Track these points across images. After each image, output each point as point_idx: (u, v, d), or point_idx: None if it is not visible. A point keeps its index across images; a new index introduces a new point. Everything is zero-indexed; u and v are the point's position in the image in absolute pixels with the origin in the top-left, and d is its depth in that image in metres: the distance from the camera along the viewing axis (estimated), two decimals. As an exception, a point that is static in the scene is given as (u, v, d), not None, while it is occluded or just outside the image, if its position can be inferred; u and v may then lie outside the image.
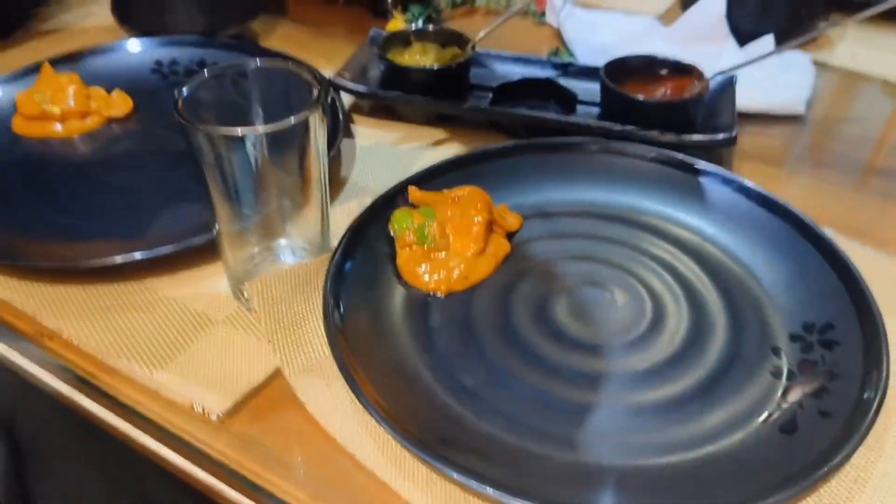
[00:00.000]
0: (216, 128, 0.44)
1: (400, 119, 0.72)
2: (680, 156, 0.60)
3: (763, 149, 0.71)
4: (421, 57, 0.73)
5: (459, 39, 0.74)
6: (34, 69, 0.72)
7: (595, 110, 0.70)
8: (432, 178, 0.59)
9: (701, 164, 0.60)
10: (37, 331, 0.51)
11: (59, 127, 0.68)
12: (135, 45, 0.77)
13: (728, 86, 0.69)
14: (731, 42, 0.79)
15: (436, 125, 0.71)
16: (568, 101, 0.72)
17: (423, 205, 0.57)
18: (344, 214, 0.58)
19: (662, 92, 0.68)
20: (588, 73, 0.73)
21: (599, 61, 0.77)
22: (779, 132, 0.73)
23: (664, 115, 0.65)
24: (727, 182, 0.59)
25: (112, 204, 0.60)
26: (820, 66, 0.81)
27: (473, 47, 0.72)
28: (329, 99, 0.70)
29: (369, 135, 0.71)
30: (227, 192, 0.47)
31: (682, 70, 0.69)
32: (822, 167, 0.69)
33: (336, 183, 0.65)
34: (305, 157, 0.48)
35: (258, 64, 0.50)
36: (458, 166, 0.61)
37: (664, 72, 0.70)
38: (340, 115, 0.68)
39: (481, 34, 0.73)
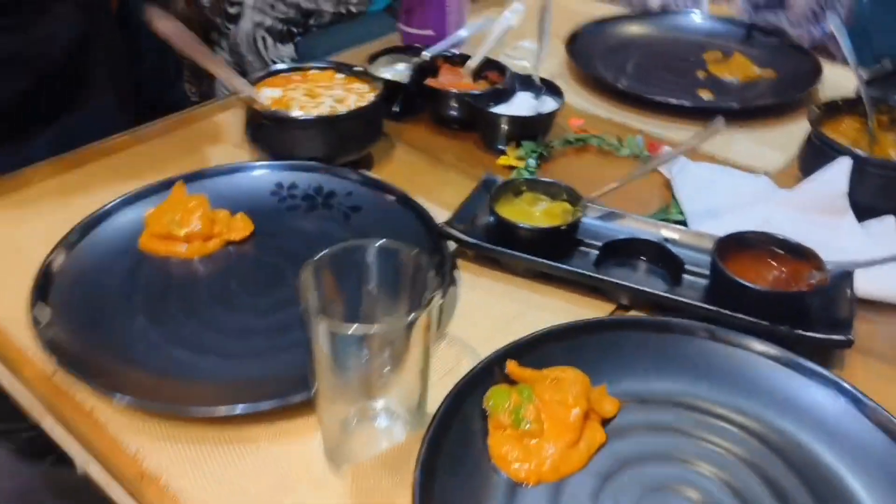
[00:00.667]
0: (330, 321, 0.45)
1: (505, 269, 0.72)
2: (793, 356, 0.58)
3: (879, 342, 0.67)
4: (530, 208, 0.74)
5: (570, 194, 0.74)
6: (167, 185, 0.76)
7: (702, 282, 0.69)
8: (531, 349, 0.59)
9: (816, 368, 0.58)
10: (137, 472, 0.53)
11: (183, 248, 0.72)
12: (259, 168, 0.81)
13: (846, 278, 0.66)
14: (850, 217, 0.77)
15: (541, 280, 0.71)
16: (675, 267, 0.71)
17: (521, 381, 0.57)
18: (440, 372, 0.59)
19: (776, 275, 0.66)
20: (698, 239, 0.73)
21: (711, 222, 0.77)
22: (898, 324, 0.69)
23: (777, 305, 0.63)
24: (846, 394, 0.56)
25: (223, 340, 0.63)
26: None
27: (584, 207, 0.72)
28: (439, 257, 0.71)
29: (472, 283, 0.71)
30: (332, 354, 0.48)
31: (799, 253, 0.67)
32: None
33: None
34: (412, 331, 0.49)
35: (377, 246, 0.52)
36: (557, 339, 0.60)
37: (780, 251, 0.68)
38: (447, 264, 0.69)
39: (597, 193, 0.73)
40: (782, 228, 0.76)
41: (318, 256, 0.50)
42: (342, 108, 0.84)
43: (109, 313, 0.65)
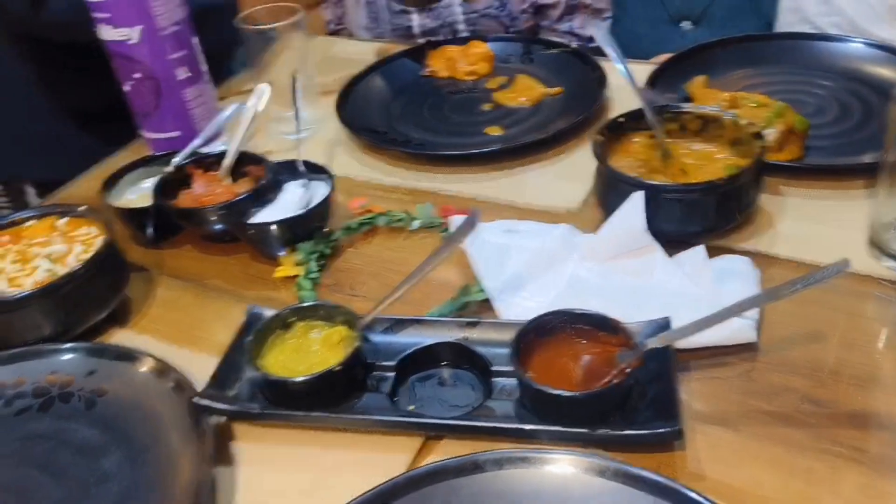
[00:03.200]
0: None
1: (290, 428, 0.60)
2: (621, 466, 0.50)
3: (715, 399, 0.60)
4: (304, 343, 0.63)
5: (346, 316, 0.63)
6: None
7: (514, 383, 0.60)
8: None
9: (649, 477, 0.49)
10: None
11: None
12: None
13: (664, 354, 0.58)
14: (660, 253, 0.70)
15: (334, 430, 0.60)
16: (482, 368, 0.61)
17: None
18: None
19: (586, 362, 0.58)
20: (499, 330, 0.63)
21: (514, 299, 0.69)
22: (731, 371, 0.62)
23: (590, 406, 0.54)
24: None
25: None
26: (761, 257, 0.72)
27: (363, 335, 0.61)
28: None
29: (254, 456, 0.59)
30: None
31: (607, 328, 0.59)
32: (786, 424, 0.58)
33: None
34: None
35: None
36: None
37: (586, 328, 0.59)
38: (211, 440, 0.57)
39: (370, 315, 0.63)
40: (593, 284, 0.69)
41: None
42: (61, 268, 0.69)
43: None
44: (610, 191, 0.75)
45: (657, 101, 0.84)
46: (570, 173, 0.88)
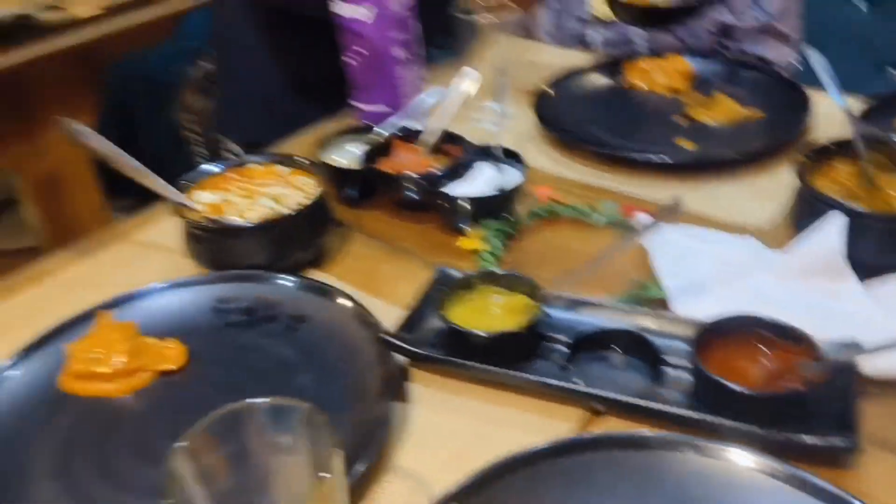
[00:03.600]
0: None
1: (464, 380, 0.65)
2: (792, 470, 0.49)
3: (894, 430, 0.58)
4: (487, 305, 0.67)
5: (529, 286, 0.67)
6: (89, 316, 0.70)
7: (686, 377, 0.60)
8: (486, 486, 0.51)
9: (819, 484, 0.49)
10: None
11: (106, 387, 0.65)
12: (195, 283, 0.75)
13: (848, 369, 0.57)
14: (852, 280, 0.68)
15: (505, 389, 0.63)
16: (654, 358, 0.63)
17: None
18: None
19: (766, 366, 0.58)
20: (678, 325, 0.64)
21: (694, 301, 0.69)
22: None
23: (766, 407, 0.54)
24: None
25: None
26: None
27: (543, 304, 0.65)
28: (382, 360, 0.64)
29: (427, 399, 0.64)
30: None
31: (792, 337, 0.58)
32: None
33: (380, 467, 0.58)
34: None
35: (263, 407, 0.44)
36: (515, 470, 0.52)
37: (770, 335, 0.59)
38: (395, 381, 0.62)
39: (556, 288, 0.66)
40: (776, 299, 0.68)
41: (192, 432, 0.42)
42: (282, 209, 0.78)
43: (19, 481, 0.57)
44: (808, 210, 0.74)
45: (869, 131, 0.81)
46: (762, 193, 0.87)
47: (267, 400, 0.44)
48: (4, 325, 0.76)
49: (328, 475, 0.41)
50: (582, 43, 1.41)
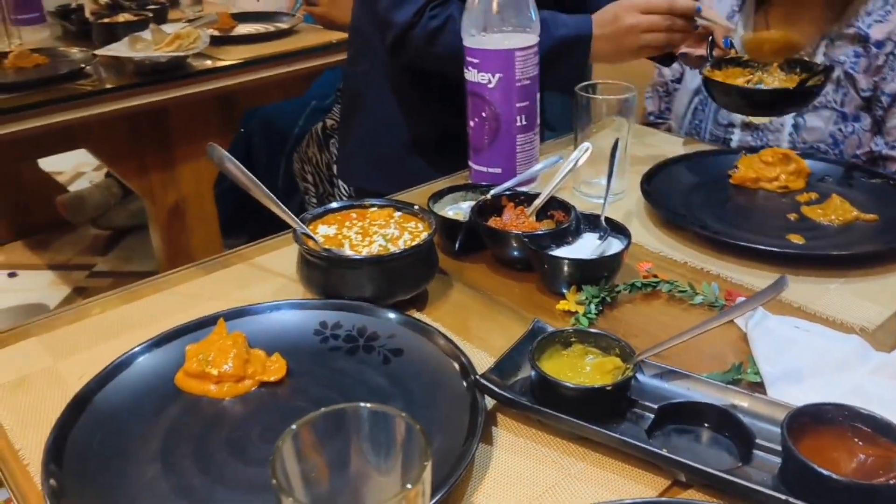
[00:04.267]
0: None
1: (547, 430, 0.66)
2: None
3: None
4: (579, 362, 0.68)
5: (622, 349, 0.68)
6: (212, 321, 0.76)
7: (776, 460, 0.59)
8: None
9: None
10: None
11: (214, 388, 0.70)
12: (304, 306, 0.80)
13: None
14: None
15: (586, 445, 0.64)
16: (745, 439, 0.62)
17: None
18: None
19: (860, 460, 0.56)
20: (773, 408, 0.64)
21: (792, 389, 0.68)
22: None
23: (859, 499, 0.53)
24: None
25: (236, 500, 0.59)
26: None
27: (636, 365, 0.66)
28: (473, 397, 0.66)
29: (509, 444, 0.65)
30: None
31: (890, 434, 0.57)
32: None
33: (454, 501, 0.59)
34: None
35: (365, 411, 0.47)
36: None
37: (866, 429, 0.58)
38: (479, 421, 0.63)
39: (651, 351, 0.67)
40: (876, 399, 0.66)
41: (299, 423, 0.45)
42: (393, 248, 0.82)
43: (124, 459, 0.62)
44: (918, 315, 0.72)
45: None
46: (872, 294, 0.85)
47: (370, 405, 0.47)
48: (129, 323, 0.83)
49: (415, 486, 0.43)
50: (724, 146, 1.41)
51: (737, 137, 1.41)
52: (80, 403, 0.67)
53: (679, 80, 1.52)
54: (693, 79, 1.46)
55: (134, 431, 0.66)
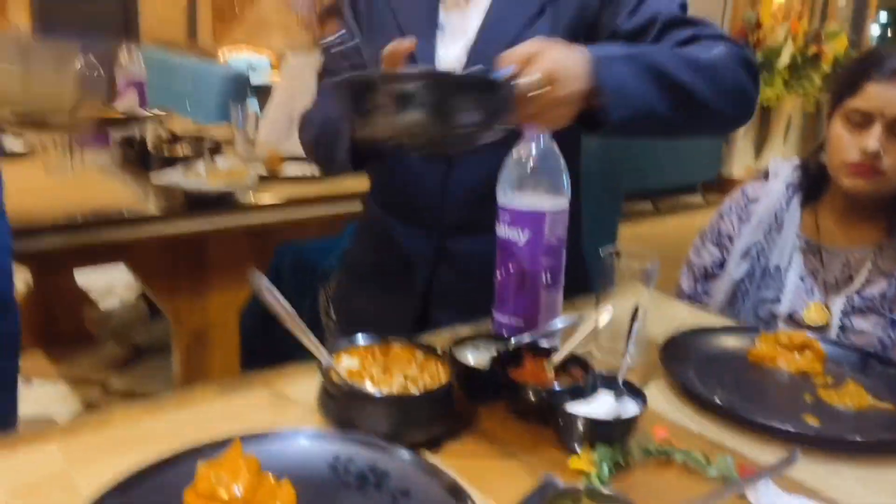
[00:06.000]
0: None
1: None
2: None
3: None
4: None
5: (634, 512, 0.68)
6: (225, 443, 0.77)
7: None
8: None
9: None
10: None
11: (221, 511, 0.70)
12: (319, 436, 0.81)
13: None
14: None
15: None
16: None
17: None
18: None
19: None
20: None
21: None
22: None
23: None
24: None
25: None
26: None
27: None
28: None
29: None
30: None
31: None
32: None
33: None
34: None
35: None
36: None
37: None
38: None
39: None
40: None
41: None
42: (413, 388, 0.84)
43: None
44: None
45: None
46: (884, 485, 0.85)
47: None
48: (146, 437, 0.84)
49: None
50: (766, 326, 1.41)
51: (781, 316, 1.42)
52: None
53: (721, 266, 1.53)
54: (737, 268, 1.48)
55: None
